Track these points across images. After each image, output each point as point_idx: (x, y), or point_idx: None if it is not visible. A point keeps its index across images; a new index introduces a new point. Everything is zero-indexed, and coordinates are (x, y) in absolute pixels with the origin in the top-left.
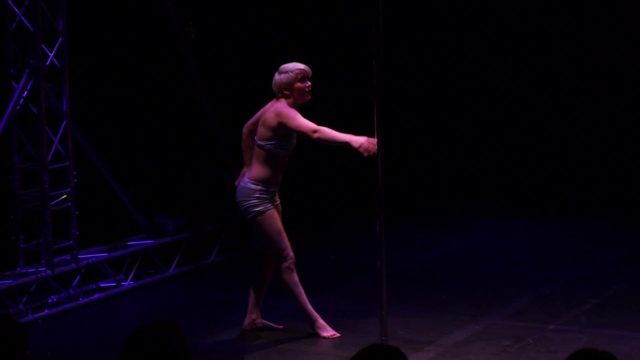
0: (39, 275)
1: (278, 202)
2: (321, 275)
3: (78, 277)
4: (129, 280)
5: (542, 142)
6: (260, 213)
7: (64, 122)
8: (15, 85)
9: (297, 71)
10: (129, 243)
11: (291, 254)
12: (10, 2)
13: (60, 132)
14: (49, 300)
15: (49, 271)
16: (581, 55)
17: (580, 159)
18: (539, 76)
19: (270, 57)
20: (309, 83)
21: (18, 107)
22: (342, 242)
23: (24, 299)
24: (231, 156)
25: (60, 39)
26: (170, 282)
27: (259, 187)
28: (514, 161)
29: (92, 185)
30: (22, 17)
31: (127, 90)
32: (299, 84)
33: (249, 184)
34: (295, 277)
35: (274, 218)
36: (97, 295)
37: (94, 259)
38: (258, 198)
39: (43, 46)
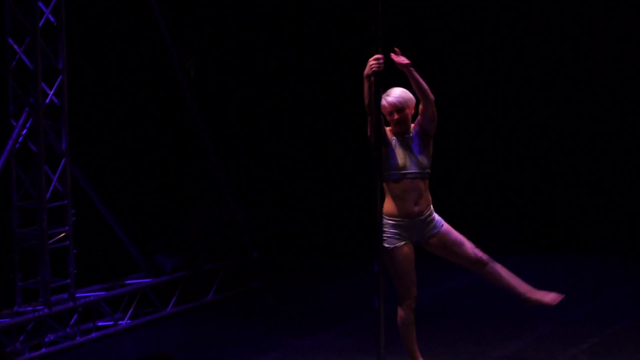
0: (37, 313)
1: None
2: (319, 314)
3: (76, 315)
4: (126, 319)
5: (546, 179)
6: (386, 250)
7: (63, 160)
8: (15, 123)
9: (384, 106)
10: (127, 282)
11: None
12: (10, 41)
13: (59, 170)
14: (46, 339)
15: (46, 310)
16: (585, 94)
17: (584, 197)
18: (542, 114)
19: (269, 93)
20: (396, 116)
21: (17, 145)
22: (341, 279)
23: (21, 338)
24: (230, 193)
25: (60, 77)
26: (168, 320)
27: (384, 221)
28: (517, 198)
29: (91, 223)
30: (22, 55)
31: (127, 128)
32: (388, 117)
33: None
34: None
35: (396, 258)
36: (94, 334)
37: (91, 298)
38: (384, 232)
39: (43, 84)
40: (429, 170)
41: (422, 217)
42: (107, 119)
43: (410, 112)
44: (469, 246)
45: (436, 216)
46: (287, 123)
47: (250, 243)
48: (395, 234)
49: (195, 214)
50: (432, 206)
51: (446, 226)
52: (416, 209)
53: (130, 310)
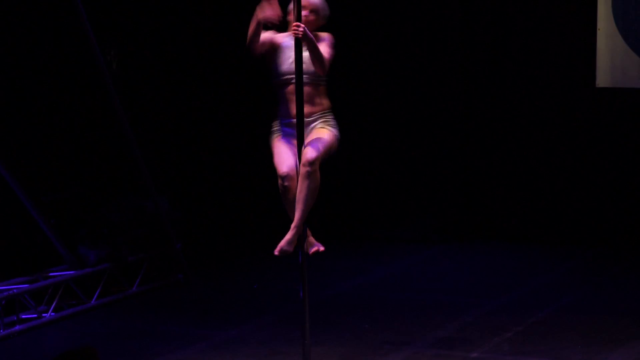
0: None
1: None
2: (244, 304)
3: None
4: (50, 312)
5: (465, 167)
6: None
7: None
8: None
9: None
10: (50, 274)
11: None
12: None
13: None
14: None
15: None
16: (505, 84)
17: (504, 185)
18: (459, 104)
19: (191, 85)
20: (305, 14)
21: None
22: (265, 270)
23: None
24: (153, 185)
25: None
26: (93, 313)
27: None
28: (434, 188)
29: (12, 215)
30: None
31: (47, 119)
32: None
33: None
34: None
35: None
36: (17, 327)
37: (14, 290)
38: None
39: None
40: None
41: (309, 119)
42: (28, 111)
43: (316, 20)
44: (313, 146)
45: (331, 124)
46: (210, 115)
47: (173, 234)
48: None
49: (118, 205)
50: (326, 111)
51: (326, 131)
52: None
53: (54, 303)
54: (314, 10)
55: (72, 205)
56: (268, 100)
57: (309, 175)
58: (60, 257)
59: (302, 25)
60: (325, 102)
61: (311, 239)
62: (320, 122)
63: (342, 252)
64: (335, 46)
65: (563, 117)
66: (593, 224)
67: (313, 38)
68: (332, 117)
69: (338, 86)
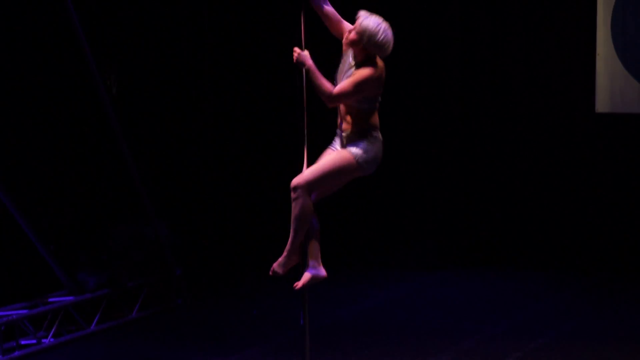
0: None
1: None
2: (244, 330)
3: None
4: (49, 338)
5: (462, 194)
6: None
7: None
8: None
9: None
10: (49, 299)
11: None
12: None
13: None
14: None
15: None
16: (503, 114)
17: (501, 212)
18: (459, 130)
19: (193, 110)
20: (352, 36)
21: None
22: (265, 296)
23: None
24: (153, 210)
25: None
26: (92, 338)
27: None
28: (434, 214)
29: (12, 241)
30: None
31: (47, 144)
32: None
33: None
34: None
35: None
36: (17, 353)
37: (14, 316)
38: None
39: None
40: None
41: (341, 134)
42: (28, 136)
43: (357, 41)
44: (306, 171)
45: (356, 144)
46: (209, 140)
47: (172, 260)
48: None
49: (118, 231)
50: (359, 132)
51: (335, 156)
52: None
53: (54, 329)
54: (358, 31)
55: (72, 231)
56: (266, 126)
57: (292, 201)
58: (60, 282)
59: (298, 52)
60: (360, 122)
61: (307, 273)
62: (345, 141)
63: (343, 278)
64: (364, 84)
65: (563, 143)
66: (593, 250)
67: (310, 66)
68: (361, 137)
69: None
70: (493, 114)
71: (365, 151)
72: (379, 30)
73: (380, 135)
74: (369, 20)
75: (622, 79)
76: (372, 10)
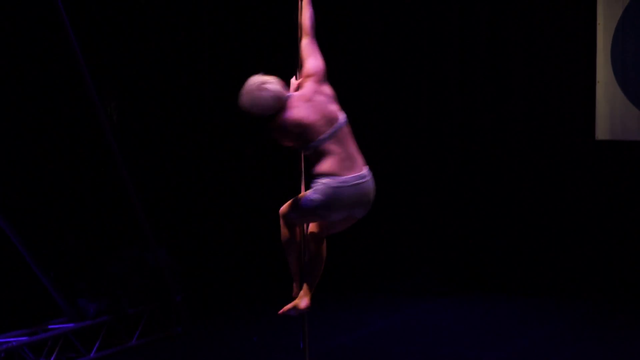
0: None
1: None
2: (244, 357)
3: None
4: None
5: (462, 220)
6: None
7: None
8: None
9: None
10: (49, 326)
11: None
12: None
13: None
14: None
15: None
16: (505, 141)
17: (501, 238)
18: (459, 156)
19: (193, 137)
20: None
21: None
22: (265, 322)
23: None
24: (153, 236)
25: None
26: None
27: None
28: (433, 240)
29: (12, 267)
30: None
31: (48, 170)
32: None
33: None
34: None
35: None
36: None
37: (13, 343)
38: None
39: None
40: None
41: None
42: (28, 162)
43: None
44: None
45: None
46: (210, 166)
47: (173, 286)
48: None
49: (118, 257)
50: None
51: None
52: None
53: (54, 356)
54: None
55: (72, 257)
56: (268, 153)
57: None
58: (60, 309)
59: None
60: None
61: (298, 299)
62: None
63: (342, 304)
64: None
65: (563, 170)
66: (593, 277)
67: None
68: (312, 183)
69: None
70: (492, 141)
71: (311, 198)
72: (242, 94)
73: (331, 181)
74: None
75: (622, 106)
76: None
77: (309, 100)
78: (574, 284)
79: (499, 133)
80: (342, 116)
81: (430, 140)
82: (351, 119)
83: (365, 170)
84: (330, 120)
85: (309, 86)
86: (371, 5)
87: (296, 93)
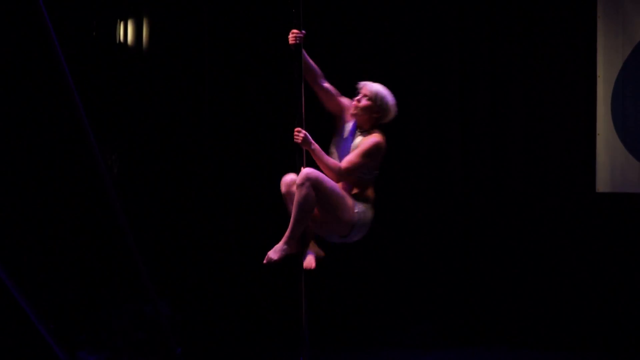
0: None
1: None
2: None
3: None
4: None
5: (462, 272)
6: None
7: None
8: None
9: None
10: None
11: None
12: None
13: None
14: None
15: None
16: (505, 187)
17: (502, 290)
18: (460, 208)
19: (193, 189)
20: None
21: None
22: None
23: None
24: (153, 288)
25: None
26: None
27: None
28: (433, 292)
29: (11, 319)
30: None
31: (48, 222)
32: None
33: None
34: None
35: None
36: None
37: None
38: None
39: None
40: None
41: None
42: (27, 213)
43: (369, 107)
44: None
45: (359, 205)
46: (211, 219)
47: (173, 339)
48: None
49: (118, 309)
50: (362, 198)
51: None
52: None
53: None
54: (370, 96)
55: (72, 309)
56: (264, 199)
57: (298, 188)
58: None
59: (303, 132)
60: (361, 191)
61: (309, 256)
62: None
63: (342, 357)
64: (373, 153)
65: (563, 222)
66: (594, 329)
67: (315, 148)
68: (363, 202)
69: None
70: (492, 193)
71: (363, 213)
72: (388, 92)
73: (372, 210)
74: (373, 85)
75: (623, 158)
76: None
77: None
78: (576, 336)
79: (499, 185)
80: None
81: (430, 191)
82: None
83: None
84: None
85: None
86: (367, 47)
87: None
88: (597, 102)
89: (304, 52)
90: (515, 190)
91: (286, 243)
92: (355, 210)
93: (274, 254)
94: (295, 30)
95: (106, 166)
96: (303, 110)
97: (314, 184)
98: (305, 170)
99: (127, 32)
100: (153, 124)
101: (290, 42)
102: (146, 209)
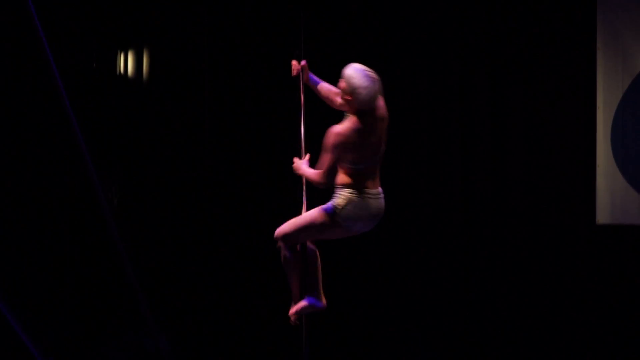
0: None
1: None
2: None
3: None
4: None
5: (460, 308)
6: None
7: None
8: None
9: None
10: None
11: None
12: None
13: None
14: None
15: None
16: (505, 221)
17: (500, 326)
18: (460, 247)
19: (192, 222)
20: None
21: None
22: None
23: None
24: (153, 322)
25: None
26: None
27: None
28: (433, 333)
29: (10, 352)
30: None
31: (47, 255)
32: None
33: None
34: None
35: None
36: None
37: None
38: None
39: None
40: None
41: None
42: (27, 246)
43: (346, 95)
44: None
45: (334, 199)
46: (212, 253)
47: None
48: None
49: (117, 343)
50: (340, 188)
51: (313, 210)
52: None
53: None
54: (342, 78)
55: (71, 342)
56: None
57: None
58: None
59: (296, 166)
60: (343, 180)
61: (303, 302)
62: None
63: None
64: (334, 146)
65: (563, 254)
66: None
67: (303, 173)
68: (341, 193)
69: None
70: (492, 227)
71: (341, 207)
72: (360, 73)
73: (370, 196)
74: (348, 66)
75: (623, 190)
76: None
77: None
78: None
79: (498, 217)
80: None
81: (431, 233)
82: None
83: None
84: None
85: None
86: (366, 47)
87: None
88: (596, 133)
89: (310, 75)
90: (515, 222)
91: (295, 301)
92: (327, 212)
93: (294, 315)
94: (295, 63)
95: (106, 198)
96: (303, 145)
97: (283, 241)
98: (275, 233)
99: (127, 63)
100: (153, 155)
101: (293, 74)
102: (146, 241)
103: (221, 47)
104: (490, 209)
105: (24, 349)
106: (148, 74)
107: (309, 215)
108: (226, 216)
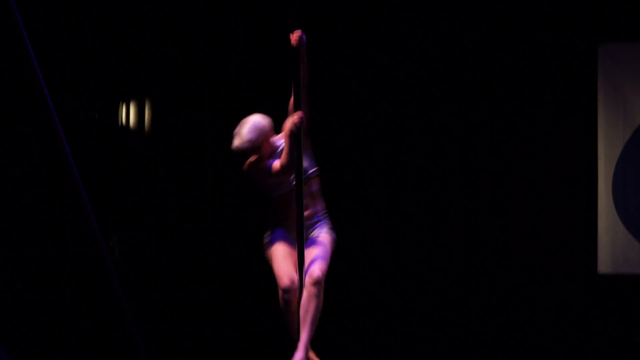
0: None
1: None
2: None
3: None
4: None
5: (462, 353)
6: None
7: None
8: None
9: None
10: None
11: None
12: None
13: None
14: None
15: None
16: (505, 270)
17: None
18: (460, 289)
19: (193, 271)
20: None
21: None
22: None
23: None
24: (150, 358)
25: None
26: None
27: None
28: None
29: None
30: None
31: (45, 294)
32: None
33: None
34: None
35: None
36: None
37: None
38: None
39: None
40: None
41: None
42: (26, 288)
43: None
44: (318, 262)
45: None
46: (213, 302)
47: None
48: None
49: None
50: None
51: (326, 238)
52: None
53: None
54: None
55: None
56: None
57: (316, 295)
58: None
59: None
60: (322, 202)
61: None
62: (319, 227)
63: None
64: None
65: (564, 304)
66: None
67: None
68: (328, 218)
69: None
70: (493, 275)
71: (334, 232)
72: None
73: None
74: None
75: (624, 240)
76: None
77: None
78: None
79: (500, 268)
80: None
81: (431, 280)
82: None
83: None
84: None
85: None
86: (366, 52)
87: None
88: (598, 183)
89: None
90: (517, 272)
91: (305, 350)
92: (334, 239)
93: None
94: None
95: (107, 248)
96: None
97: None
98: (315, 274)
99: (129, 114)
100: (155, 206)
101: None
102: (146, 287)
103: (222, 99)
104: (491, 259)
105: None
106: (150, 125)
107: (329, 245)
108: (231, 264)
